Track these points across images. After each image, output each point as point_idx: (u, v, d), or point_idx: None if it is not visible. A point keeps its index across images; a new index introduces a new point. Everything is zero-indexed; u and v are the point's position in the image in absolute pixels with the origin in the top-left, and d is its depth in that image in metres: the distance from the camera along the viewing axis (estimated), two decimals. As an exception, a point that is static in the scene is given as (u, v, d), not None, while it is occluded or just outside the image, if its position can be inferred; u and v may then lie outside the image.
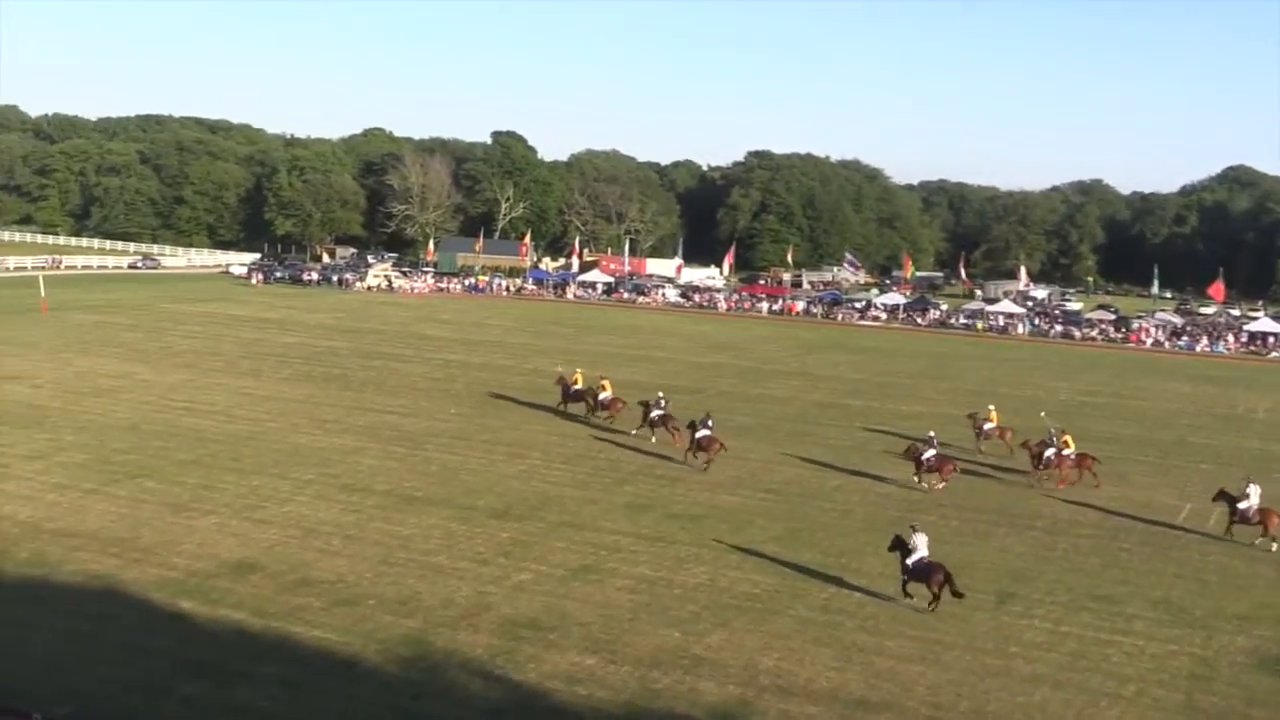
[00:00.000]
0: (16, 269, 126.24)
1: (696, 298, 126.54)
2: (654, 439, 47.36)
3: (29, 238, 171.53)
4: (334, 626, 26.12)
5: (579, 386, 52.97)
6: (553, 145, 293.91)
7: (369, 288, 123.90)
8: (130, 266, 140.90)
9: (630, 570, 30.97)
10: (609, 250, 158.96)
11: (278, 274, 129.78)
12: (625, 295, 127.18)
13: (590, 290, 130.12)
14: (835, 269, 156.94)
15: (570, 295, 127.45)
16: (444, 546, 32.22)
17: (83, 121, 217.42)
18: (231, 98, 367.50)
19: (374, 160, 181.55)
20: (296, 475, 39.25)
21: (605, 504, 37.66)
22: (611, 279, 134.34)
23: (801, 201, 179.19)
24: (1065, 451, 43.38)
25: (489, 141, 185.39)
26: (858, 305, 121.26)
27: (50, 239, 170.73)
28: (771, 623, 27.77)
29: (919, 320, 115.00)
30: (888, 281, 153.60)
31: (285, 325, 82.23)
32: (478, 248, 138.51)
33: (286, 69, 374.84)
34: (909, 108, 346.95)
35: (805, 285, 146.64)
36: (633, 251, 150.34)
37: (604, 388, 52.05)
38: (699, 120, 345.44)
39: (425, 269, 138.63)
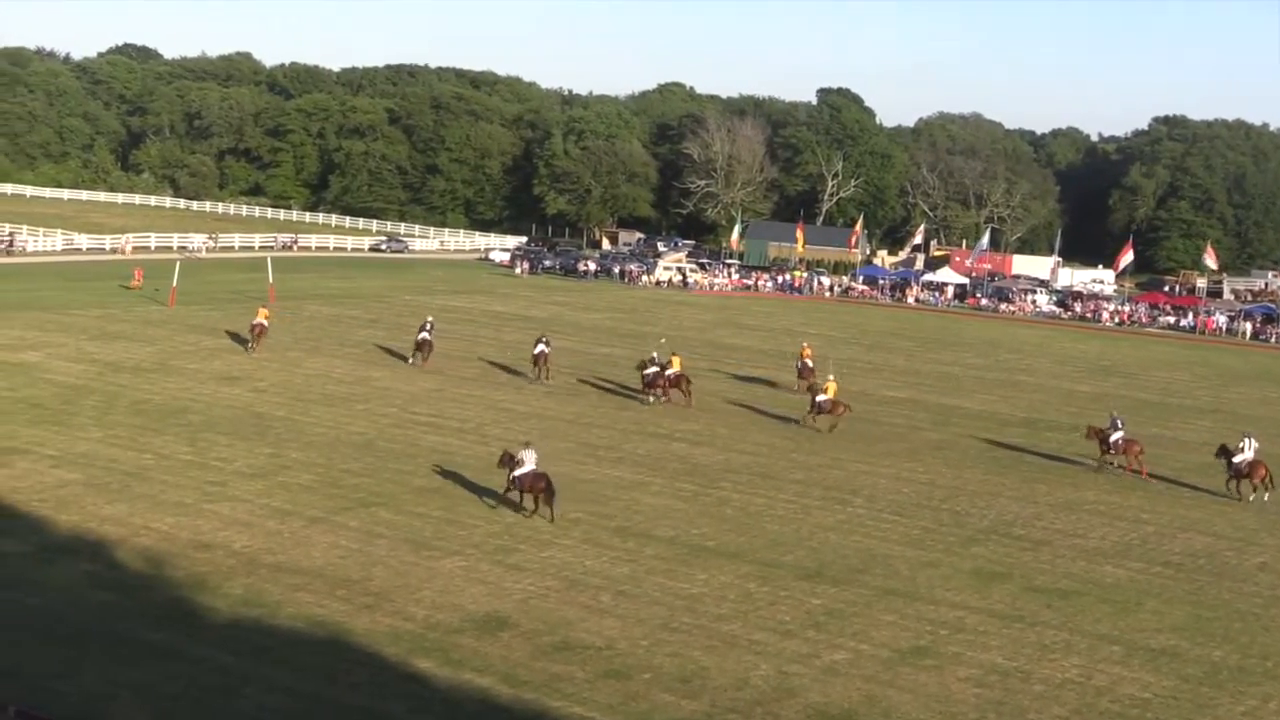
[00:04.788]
0: (243, 249, 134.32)
1: (1077, 307, 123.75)
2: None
3: (258, 211, 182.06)
4: (599, 703, 26.59)
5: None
6: (895, 107, 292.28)
7: (657, 282, 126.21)
8: (373, 249, 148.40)
9: (977, 657, 30.49)
10: (963, 243, 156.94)
11: (546, 262, 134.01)
12: (983, 301, 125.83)
13: (937, 294, 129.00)
14: (1270, 275, 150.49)
15: (911, 299, 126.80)
16: (739, 612, 32.40)
17: (324, 73, 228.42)
18: (498, 44, 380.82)
19: (669, 123, 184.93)
20: (560, 513, 40.29)
21: (947, 569, 37.20)
22: (966, 280, 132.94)
23: (1226, 184, 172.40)
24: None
25: (814, 102, 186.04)
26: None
27: (282, 214, 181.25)
28: (1165, 738, 26.87)
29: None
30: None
31: (553, 326, 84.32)
32: (797, 235, 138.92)
33: (564, 8, 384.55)
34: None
35: (1227, 295, 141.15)
36: (995, 245, 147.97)
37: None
38: (1087, 75, 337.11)
39: (728, 261, 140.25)
